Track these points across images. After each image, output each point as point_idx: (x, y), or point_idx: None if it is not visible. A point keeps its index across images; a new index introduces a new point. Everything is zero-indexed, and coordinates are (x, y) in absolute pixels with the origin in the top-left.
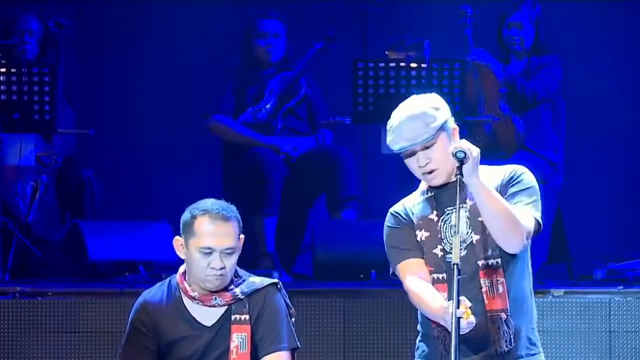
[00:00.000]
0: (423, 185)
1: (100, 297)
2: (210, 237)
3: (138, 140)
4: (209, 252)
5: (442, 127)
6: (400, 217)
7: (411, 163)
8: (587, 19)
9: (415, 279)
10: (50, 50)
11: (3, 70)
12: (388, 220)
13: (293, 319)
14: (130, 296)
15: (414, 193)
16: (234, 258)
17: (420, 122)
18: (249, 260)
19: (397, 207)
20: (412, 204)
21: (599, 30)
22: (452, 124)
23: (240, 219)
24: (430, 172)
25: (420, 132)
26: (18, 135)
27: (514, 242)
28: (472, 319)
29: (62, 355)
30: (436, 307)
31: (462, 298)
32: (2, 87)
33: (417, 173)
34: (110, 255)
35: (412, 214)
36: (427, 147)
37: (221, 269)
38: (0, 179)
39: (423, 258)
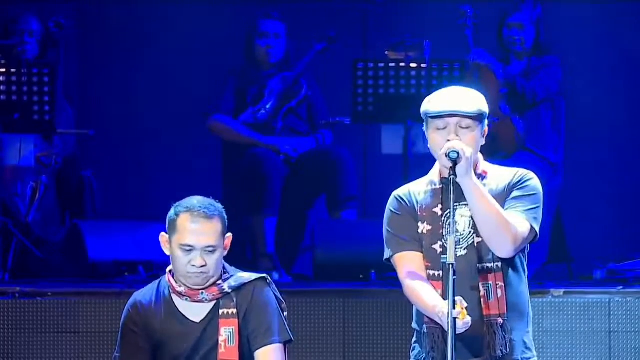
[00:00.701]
0: (433, 175)
1: (100, 297)
2: (191, 234)
3: (138, 140)
4: (189, 249)
5: (482, 118)
6: (404, 203)
7: (438, 138)
8: (587, 20)
9: (412, 273)
10: (50, 50)
11: (3, 70)
12: (391, 204)
13: (285, 313)
14: (130, 296)
15: (421, 179)
16: (216, 256)
17: (470, 97)
18: (248, 260)
19: (402, 191)
20: (417, 190)
21: (599, 30)
22: (486, 125)
23: (225, 217)
24: None
25: (467, 104)
26: (18, 136)
27: (503, 246)
28: (468, 319)
29: (62, 355)
30: (432, 305)
31: (458, 298)
32: (1, 87)
33: (440, 152)
34: (109, 255)
35: (417, 201)
36: (462, 127)
37: (202, 266)
38: (0, 179)
39: (421, 251)
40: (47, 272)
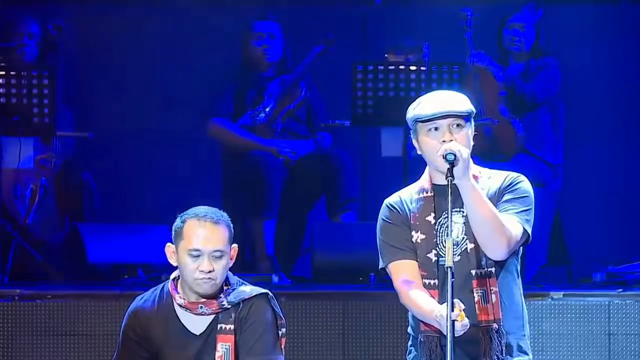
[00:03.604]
0: (423, 181)
1: (99, 299)
2: (198, 239)
3: (137, 143)
4: (197, 254)
5: (471, 117)
6: (396, 212)
7: (432, 141)
8: (587, 22)
9: (408, 281)
10: (49, 53)
11: (2, 73)
12: (383, 213)
13: (284, 330)
14: (129, 299)
15: (411, 186)
16: (224, 262)
17: (458, 97)
18: (248, 262)
19: (393, 199)
20: (409, 198)
21: (598, 33)
22: (474, 125)
23: (231, 226)
24: None
25: (458, 103)
26: (17, 139)
27: (497, 248)
28: (466, 321)
29: (62, 358)
30: (429, 309)
31: (456, 301)
32: (1, 90)
33: (436, 153)
34: (109, 258)
35: (409, 210)
36: (456, 124)
37: (210, 272)
38: (0, 182)
39: (416, 260)
40: (47, 275)
